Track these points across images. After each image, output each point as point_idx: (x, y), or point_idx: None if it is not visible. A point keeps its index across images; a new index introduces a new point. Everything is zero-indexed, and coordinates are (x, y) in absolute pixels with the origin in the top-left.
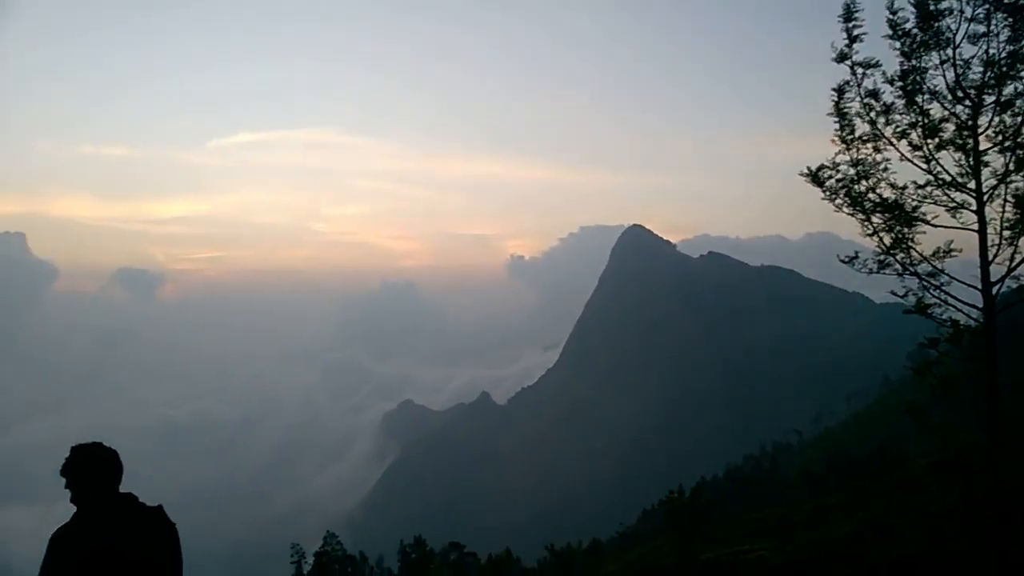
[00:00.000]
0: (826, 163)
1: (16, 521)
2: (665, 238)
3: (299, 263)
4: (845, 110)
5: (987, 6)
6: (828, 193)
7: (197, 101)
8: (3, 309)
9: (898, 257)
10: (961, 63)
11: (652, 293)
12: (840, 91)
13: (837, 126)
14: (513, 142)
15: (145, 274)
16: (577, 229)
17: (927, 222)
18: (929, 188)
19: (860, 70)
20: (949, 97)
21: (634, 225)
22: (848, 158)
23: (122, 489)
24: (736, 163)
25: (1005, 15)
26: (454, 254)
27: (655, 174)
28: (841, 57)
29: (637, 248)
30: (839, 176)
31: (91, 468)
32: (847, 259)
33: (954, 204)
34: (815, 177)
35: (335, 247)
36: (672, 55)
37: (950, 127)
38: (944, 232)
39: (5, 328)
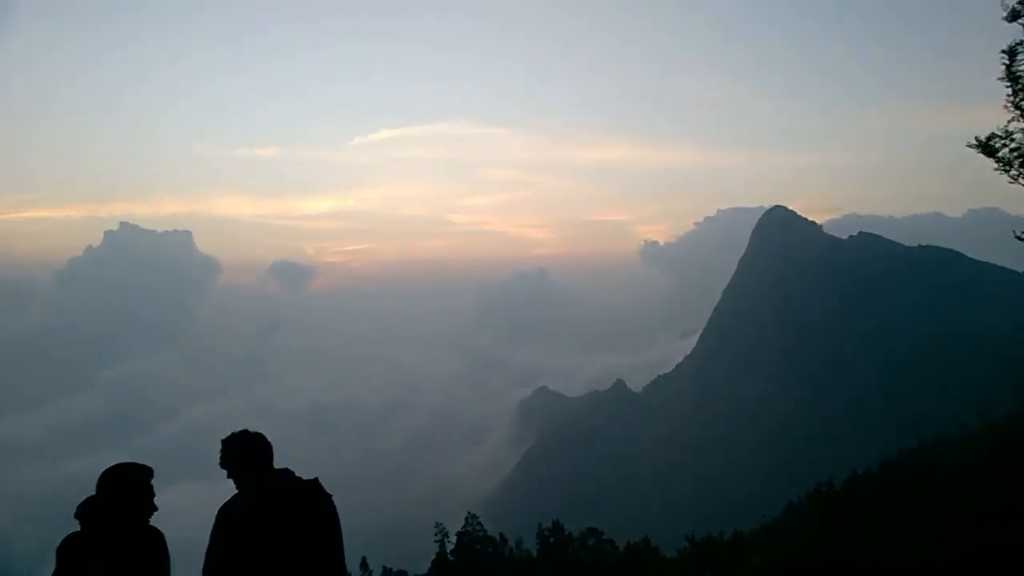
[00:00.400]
0: (997, 131)
1: (186, 496)
2: (810, 219)
3: (437, 253)
4: (1019, 73)
5: None
6: (1002, 164)
7: (340, 103)
8: (173, 302)
9: None
10: None
11: (796, 277)
12: (1012, 53)
13: (1009, 91)
14: (646, 126)
15: (297, 267)
16: (714, 212)
17: None
18: None
19: None
20: None
21: (776, 206)
22: None
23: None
24: (886, 137)
25: None
26: (587, 241)
27: (797, 152)
28: (1014, 15)
29: (779, 230)
30: (1014, 145)
31: (242, 454)
32: (1022, 234)
33: None
34: (986, 147)
35: (471, 237)
36: (810, 21)
37: None
38: None
39: (175, 320)
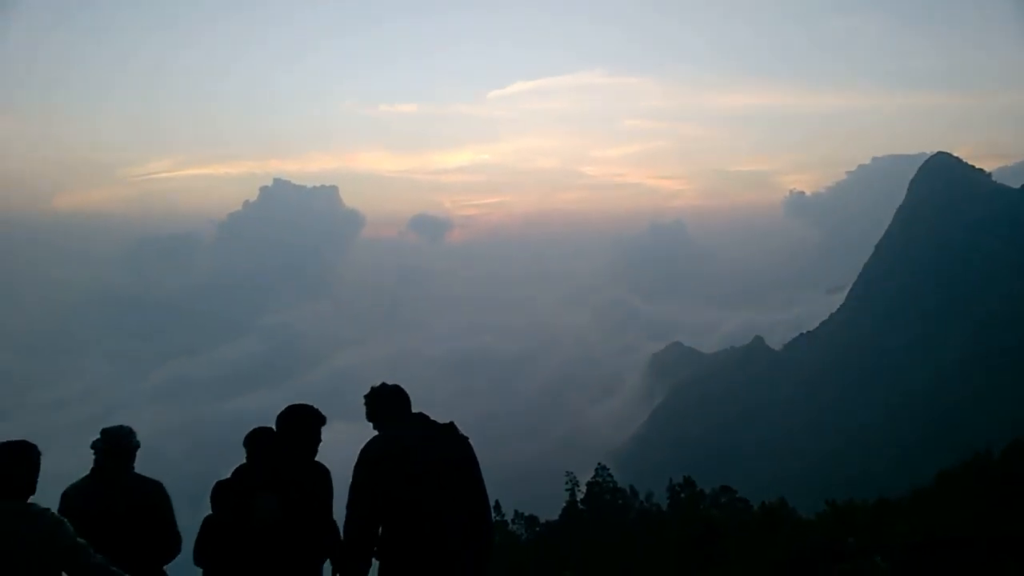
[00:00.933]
0: None
1: (333, 435)
2: (977, 166)
3: (572, 206)
4: None
5: None
6: None
7: (476, 58)
8: (322, 254)
9: None
10: None
11: (959, 231)
12: None
13: None
14: (792, 68)
15: (435, 220)
16: (868, 160)
17: None
18: None
19: None
20: None
21: (938, 153)
22: None
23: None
24: None
25: None
26: (727, 192)
27: (963, 93)
28: None
29: (941, 179)
30: None
31: (383, 405)
32: None
33: None
34: None
35: (605, 189)
36: None
37: None
38: None
39: (324, 271)
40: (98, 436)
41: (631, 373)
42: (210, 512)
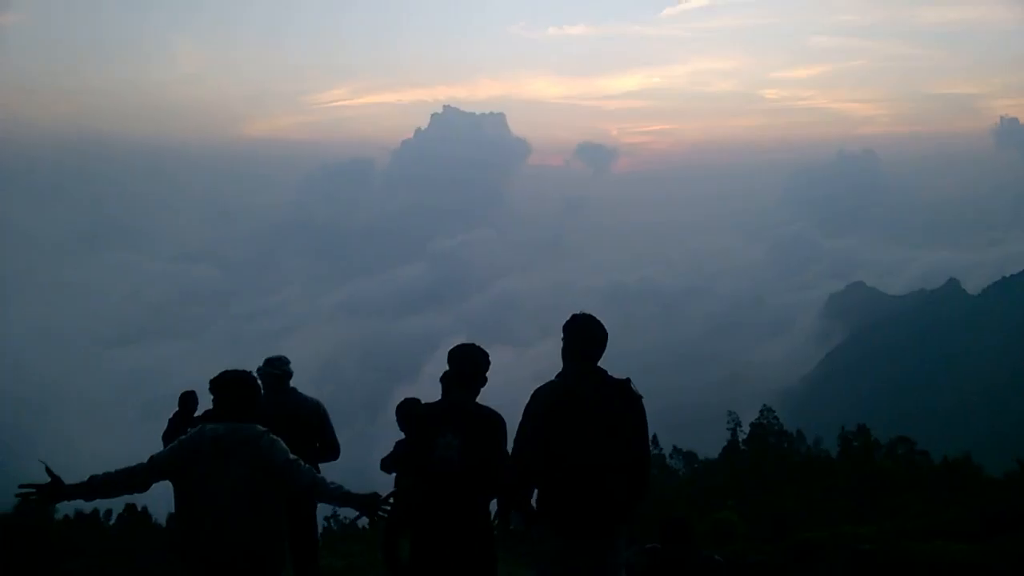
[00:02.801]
0: None
1: (496, 359)
2: None
3: (747, 133)
4: None
5: None
6: None
7: None
8: (489, 182)
9: None
10: None
11: None
12: None
13: None
14: None
15: (601, 148)
16: None
17: None
18: None
19: None
20: None
21: None
22: None
23: None
24: None
25: None
26: (926, 118)
27: None
28: None
29: None
30: None
31: (577, 334)
32: None
33: None
34: None
35: (786, 114)
36: None
37: None
38: None
39: (491, 198)
40: (262, 364)
41: (805, 313)
42: (392, 421)
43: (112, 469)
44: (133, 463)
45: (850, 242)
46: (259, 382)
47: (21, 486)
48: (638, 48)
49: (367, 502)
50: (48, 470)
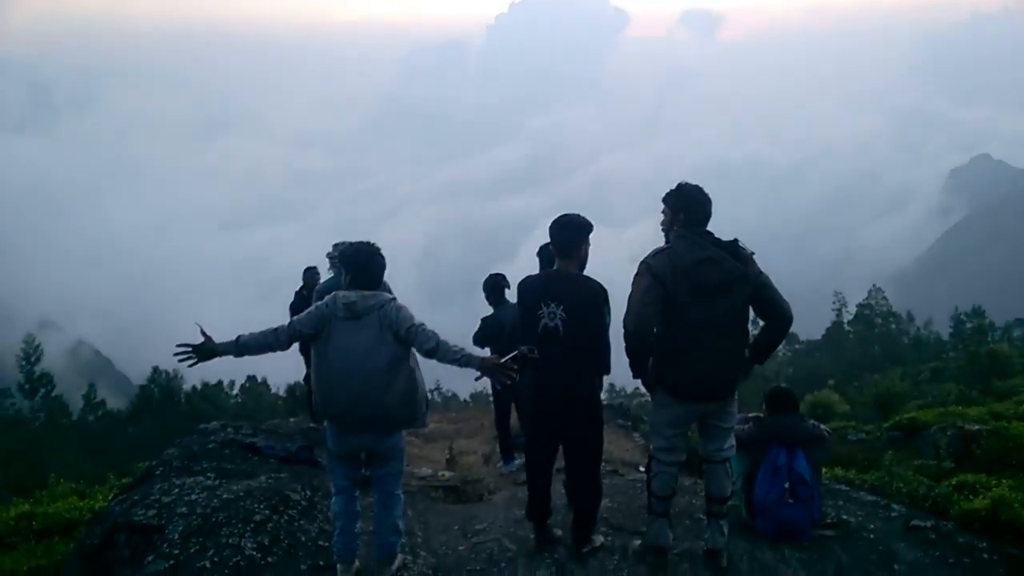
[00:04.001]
0: None
1: (595, 238)
2: None
3: None
4: None
5: None
6: None
7: None
8: (588, 56)
9: None
10: None
11: None
12: None
13: None
14: None
15: (707, 14)
16: None
17: None
18: None
19: None
20: None
21: None
22: None
23: None
24: None
25: None
26: None
27: None
28: None
29: None
30: None
31: (683, 202)
32: None
33: None
34: None
35: None
36: None
37: None
38: None
39: (589, 73)
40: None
41: (925, 188)
42: (485, 300)
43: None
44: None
45: (979, 112)
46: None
47: (179, 345)
48: None
49: (488, 364)
50: (202, 330)
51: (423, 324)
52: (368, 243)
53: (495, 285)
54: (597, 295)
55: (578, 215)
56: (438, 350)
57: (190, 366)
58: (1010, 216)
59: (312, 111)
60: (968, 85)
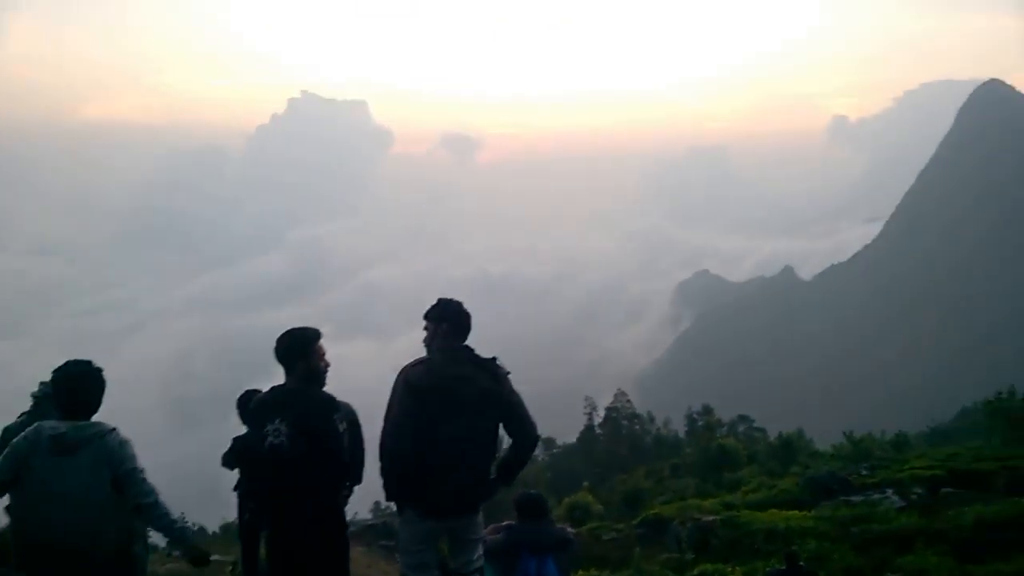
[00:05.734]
0: None
1: (360, 351)
2: None
3: (606, 128)
4: None
5: None
6: None
7: None
8: (351, 170)
9: None
10: None
11: (1007, 165)
12: None
13: None
14: None
15: (466, 138)
16: (917, 86)
17: None
18: None
19: None
20: None
21: (990, 80)
22: None
23: None
24: None
25: None
26: (769, 116)
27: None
28: None
29: (992, 108)
30: None
31: (443, 319)
32: None
33: None
34: None
35: (642, 110)
36: None
37: None
38: None
39: (353, 187)
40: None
41: (658, 300)
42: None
43: None
44: None
45: (699, 232)
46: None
47: None
48: (498, 44)
49: (196, 555)
50: None
51: (142, 473)
52: (82, 361)
53: (248, 403)
54: (323, 407)
55: (304, 327)
56: (153, 509)
57: None
58: (728, 323)
59: (54, 216)
60: (690, 210)
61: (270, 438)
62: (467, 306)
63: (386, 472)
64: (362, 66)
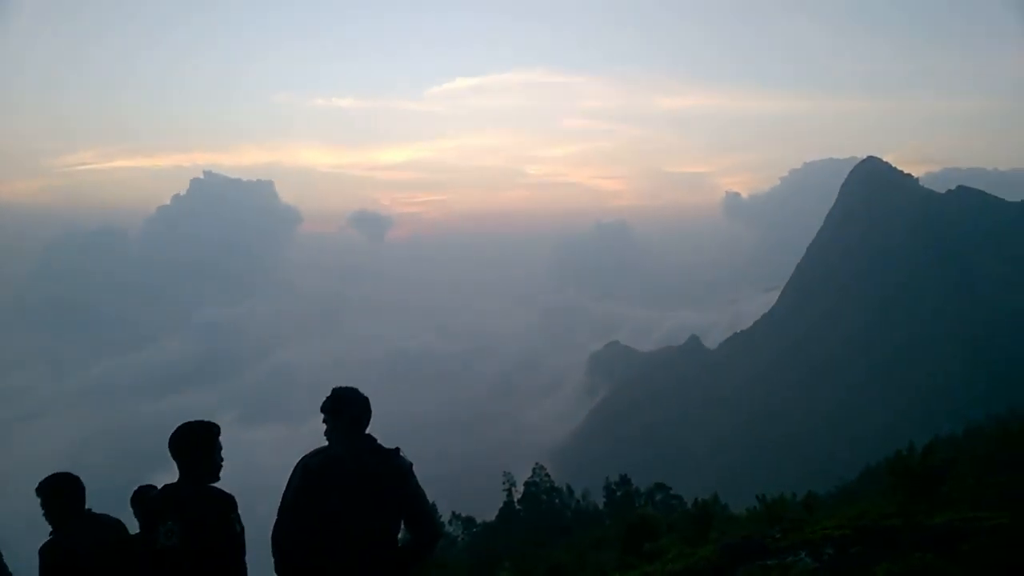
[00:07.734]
0: None
1: (269, 437)
2: (905, 172)
3: (514, 204)
4: None
5: None
6: None
7: (416, 53)
8: (258, 250)
9: None
10: None
11: (887, 234)
12: None
13: None
14: (730, 71)
15: (375, 217)
16: (801, 165)
17: None
18: None
19: None
20: None
21: (868, 158)
22: None
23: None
24: (996, 81)
25: None
26: (666, 193)
27: (893, 99)
28: None
29: (871, 184)
30: None
31: (342, 408)
32: None
33: None
34: None
35: (548, 188)
36: None
37: None
38: None
39: (260, 268)
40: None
41: (573, 372)
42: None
43: None
44: None
45: (610, 305)
46: None
47: None
48: (407, 122)
49: None
50: None
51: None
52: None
53: (142, 500)
54: (219, 505)
55: (200, 422)
56: None
57: None
58: (640, 391)
59: None
60: (599, 283)
61: (161, 539)
62: (381, 386)
63: (279, 565)
64: (269, 145)
